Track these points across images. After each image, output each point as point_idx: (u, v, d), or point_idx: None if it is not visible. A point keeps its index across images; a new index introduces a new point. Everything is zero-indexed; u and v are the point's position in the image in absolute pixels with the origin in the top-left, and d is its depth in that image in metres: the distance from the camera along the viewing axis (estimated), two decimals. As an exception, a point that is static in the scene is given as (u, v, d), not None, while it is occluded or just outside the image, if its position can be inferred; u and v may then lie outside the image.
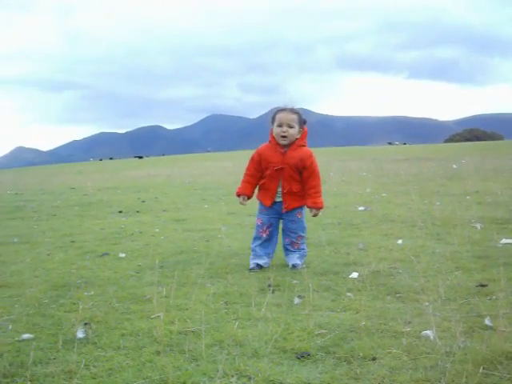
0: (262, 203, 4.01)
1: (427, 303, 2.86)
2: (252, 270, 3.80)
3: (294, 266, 3.86)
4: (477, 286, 3.16)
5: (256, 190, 4.07)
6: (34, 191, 13.73)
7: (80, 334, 2.53)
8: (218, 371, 2.07)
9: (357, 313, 2.77)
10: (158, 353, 2.30)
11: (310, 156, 3.90)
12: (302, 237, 3.98)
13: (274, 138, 3.91)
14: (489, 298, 2.96)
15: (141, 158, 58.30)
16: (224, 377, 2.05)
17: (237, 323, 2.61)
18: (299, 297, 3.05)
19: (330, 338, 2.40)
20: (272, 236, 3.99)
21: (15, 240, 5.65)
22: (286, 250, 4.01)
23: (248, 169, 4.03)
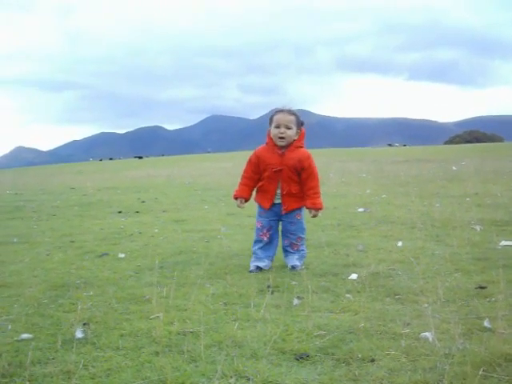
0: (260, 206, 4.00)
1: (426, 305, 2.86)
2: (252, 273, 3.80)
3: (293, 267, 3.85)
4: (476, 288, 3.16)
5: (254, 193, 4.06)
6: (33, 191, 13.72)
7: (79, 334, 2.53)
8: (216, 372, 2.07)
9: (356, 314, 2.77)
10: (157, 353, 2.30)
11: (308, 157, 3.90)
12: (301, 238, 3.97)
13: (271, 139, 3.90)
14: (488, 299, 2.96)
15: (141, 158, 58.31)
16: (223, 378, 2.05)
17: (236, 324, 2.61)
18: (298, 298, 3.05)
19: (329, 340, 2.40)
20: (272, 239, 3.98)
21: (15, 240, 5.65)
22: (286, 252, 4.00)
23: (245, 171, 4.02)
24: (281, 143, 3.85)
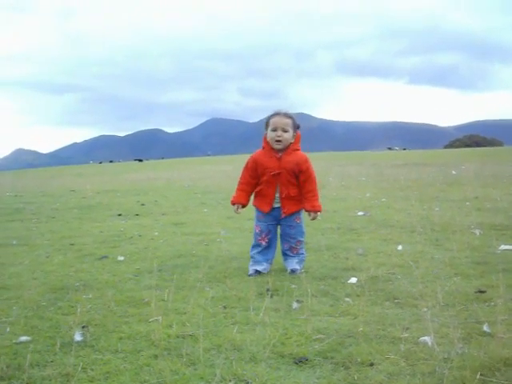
0: (259, 210, 3.98)
1: (425, 309, 2.86)
2: (251, 277, 3.79)
3: (292, 271, 3.85)
4: (475, 292, 3.16)
5: (252, 197, 4.05)
6: (33, 193, 13.72)
7: (78, 337, 2.52)
8: (215, 375, 2.07)
9: (355, 318, 2.77)
10: (156, 356, 2.30)
11: (306, 160, 3.90)
12: (300, 242, 3.97)
13: (267, 143, 3.89)
14: (487, 304, 2.95)
15: (141, 161, 58.30)
16: (221, 381, 2.05)
17: (235, 327, 2.61)
18: (298, 301, 3.05)
19: (328, 343, 2.40)
20: (271, 243, 3.97)
21: (14, 242, 5.64)
22: (285, 255, 4.00)
23: (243, 177, 4.00)
24: (278, 146, 3.85)
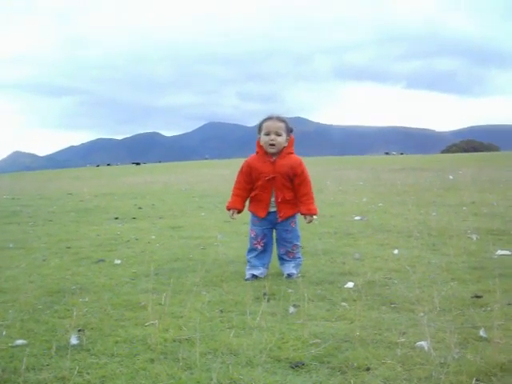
0: (255, 215, 3.97)
1: (422, 314, 2.86)
2: (248, 281, 3.79)
3: (289, 276, 3.85)
4: (472, 297, 3.16)
5: (247, 203, 4.04)
6: (30, 196, 13.69)
7: (74, 341, 2.52)
8: (211, 380, 2.07)
9: (351, 323, 2.77)
10: (152, 360, 2.30)
11: (300, 164, 3.90)
12: (296, 246, 3.97)
13: (261, 148, 3.90)
14: (484, 309, 2.96)
15: (138, 164, 58.26)
16: (218, 385, 2.04)
17: (231, 332, 2.61)
18: (294, 306, 3.05)
19: (325, 348, 2.40)
20: (267, 247, 3.97)
21: (11, 245, 5.63)
22: (282, 260, 3.99)
23: (238, 182, 4.00)
24: (271, 150, 3.85)
